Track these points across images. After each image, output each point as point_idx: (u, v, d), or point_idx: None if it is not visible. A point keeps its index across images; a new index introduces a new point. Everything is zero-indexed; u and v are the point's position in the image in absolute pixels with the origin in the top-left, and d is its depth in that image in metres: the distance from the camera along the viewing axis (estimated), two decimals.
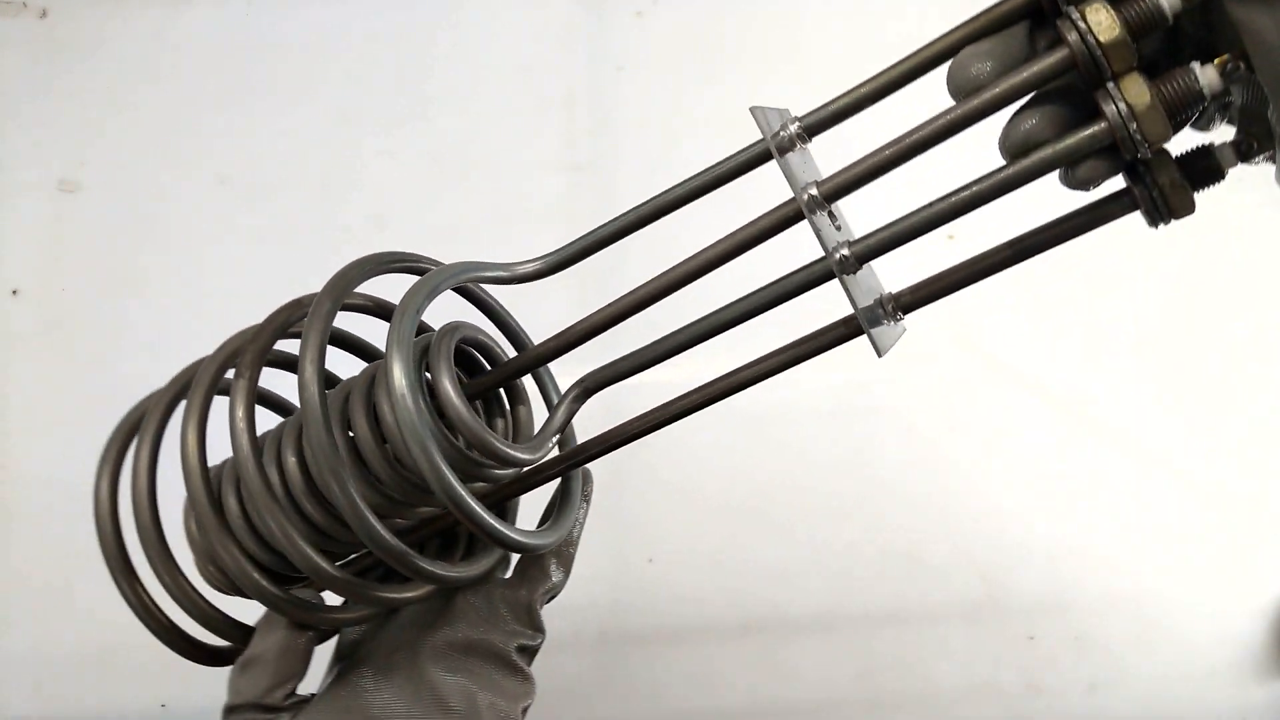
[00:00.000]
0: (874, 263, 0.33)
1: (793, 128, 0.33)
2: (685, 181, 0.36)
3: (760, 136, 0.33)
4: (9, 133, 0.83)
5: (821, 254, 0.32)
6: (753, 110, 0.33)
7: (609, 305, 0.36)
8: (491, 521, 0.33)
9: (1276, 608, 0.83)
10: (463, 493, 0.32)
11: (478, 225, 0.84)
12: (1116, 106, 0.27)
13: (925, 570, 0.80)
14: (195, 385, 0.39)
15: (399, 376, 0.31)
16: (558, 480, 0.40)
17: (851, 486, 0.81)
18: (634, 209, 0.36)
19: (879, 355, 0.33)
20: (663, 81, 0.90)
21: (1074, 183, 0.30)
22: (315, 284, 0.87)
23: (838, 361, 0.87)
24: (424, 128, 0.87)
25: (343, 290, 0.36)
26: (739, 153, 0.34)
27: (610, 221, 0.37)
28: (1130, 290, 0.89)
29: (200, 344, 0.79)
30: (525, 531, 0.36)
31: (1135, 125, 0.27)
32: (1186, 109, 0.27)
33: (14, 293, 0.79)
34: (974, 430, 0.83)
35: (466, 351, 0.39)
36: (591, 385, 0.39)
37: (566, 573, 0.40)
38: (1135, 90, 0.27)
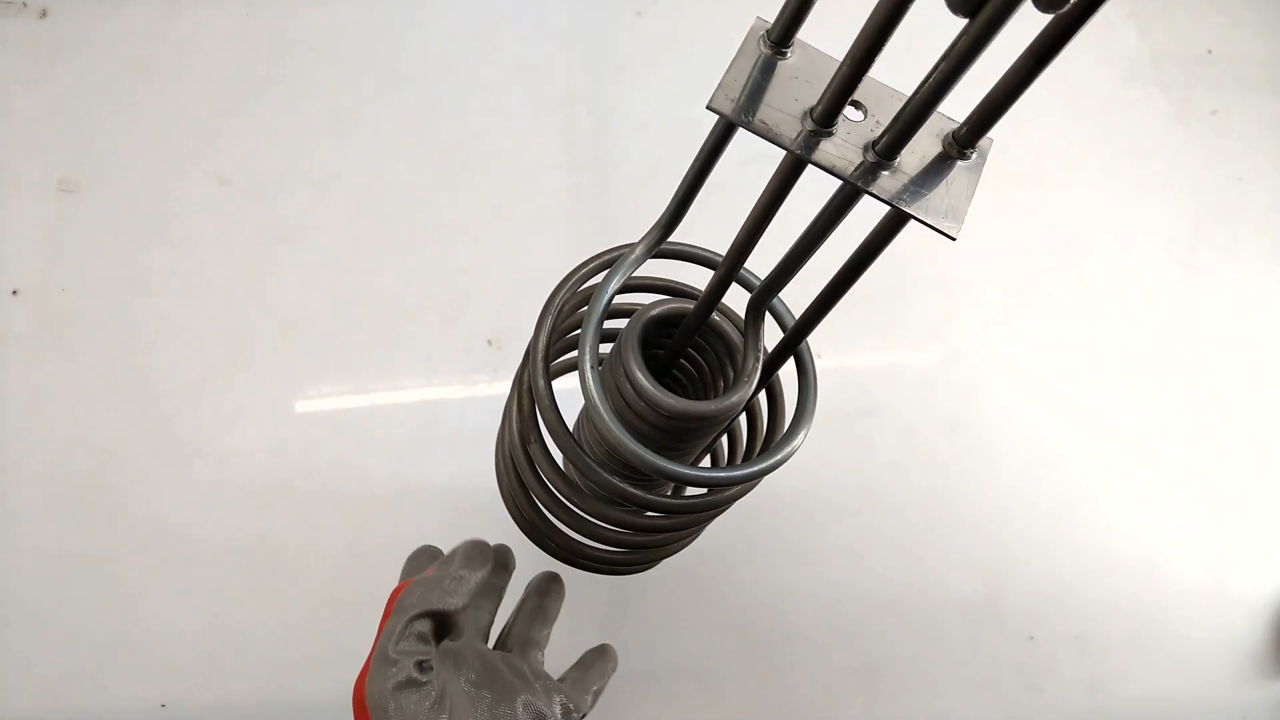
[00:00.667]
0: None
1: (764, 46, 0.30)
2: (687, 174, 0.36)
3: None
4: (9, 133, 0.83)
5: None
6: (711, 107, 0.30)
7: (734, 242, 0.36)
8: (700, 474, 0.38)
9: (1276, 608, 0.83)
10: (666, 464, 0.37)
11: (478, 225, 0.84)
12: None
13: (925, 570, 0.80)
14: (552, 432, 0.44)
15: (598, 408, 0.37)
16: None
17: (852, 486, 0.81)
18: (694, 162, 0.35)
19: (955, 234, 0.28)
20: (663, 81, 0.90)
21: (1048, 6, 0.25)
22: (316, 284, 0.87)
23: (837, 362, 0.87)
24: (424, 128, 0.87)
25: (547, 350, 0.42)
26: (712, 128, 0.33)
27: (685, 175, 0.36)
28: (1130, 290, 0.89)
29: (200, 344, 0.80)
30: (741, 465, 0.40)
31: None
32: None
33: (14, 293, 0.79)
34: (974, 430, 0.83)
35: (662, 325, 0.44)
36: (758, 302, 0.40)
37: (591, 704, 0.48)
38: None
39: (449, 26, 0.90)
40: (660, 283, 0.48)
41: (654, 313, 0.43)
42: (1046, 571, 0.81)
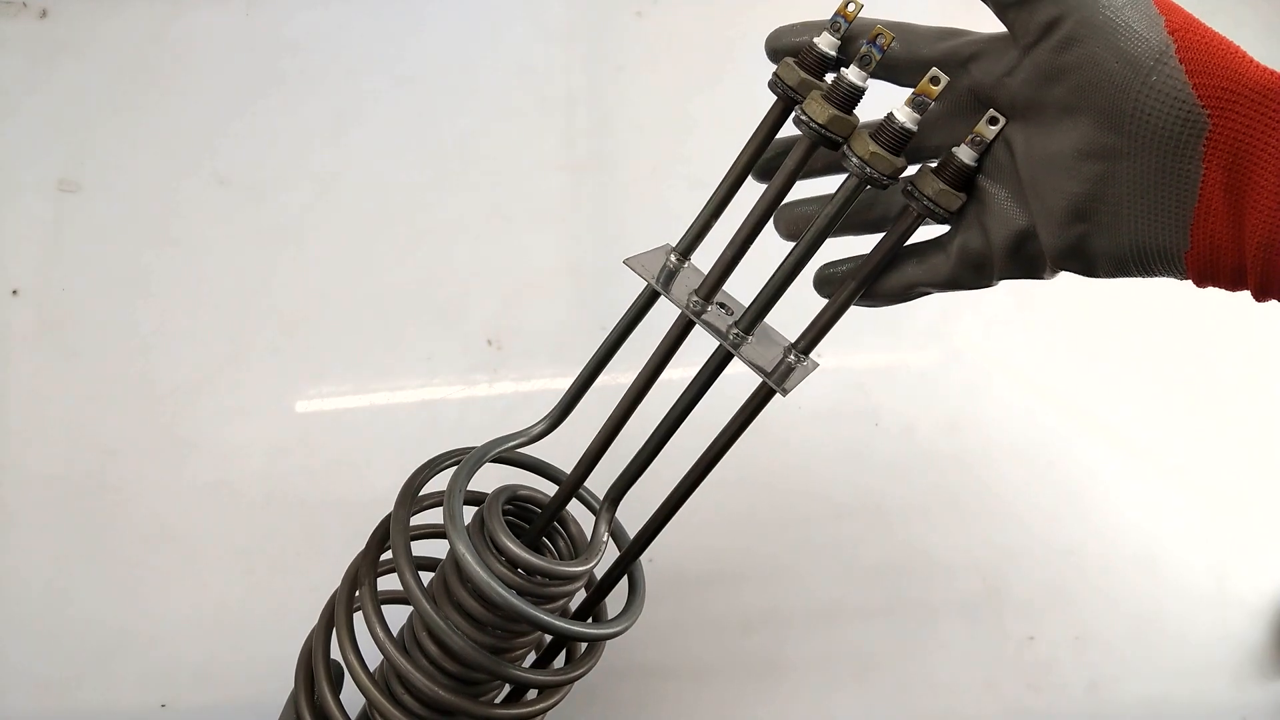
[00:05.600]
0: (774, 324, 0.43)
1: (673, 258, 0.44)
2: (608, 336, 0.47)
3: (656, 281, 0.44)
4: (9, 133, 0.83)
5: (717, 343, 0.43)
6: (628, 262, 0.44)
7: (598, 434, 0.46)
8: (568, 626, 0.44)
9: (1276, 608, 0.83)
10: (539, 614, 0.42)
11: (478, 225, 0.84)
12: (854, 160, 0.37)
13: (925, 570, 0.80)
14: (337, 616, 0.49)
15: (464, 555, 0.42)
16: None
17: (851, 486, 0.81)
18: (590, 361, 0.48)
19: (784, 395, 0.41)
20: (663, 81, 0.90)
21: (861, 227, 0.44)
22: (316, 284, 0.87)
23: (837, 362, 0.87)
24: (424, 128, 0.87)
25: (407, 513, 0.47)
26: (639, 297, 0.45)
27: (579, 374, 0.48)
28: (1129, 289, 0.89)
29: (200, 344, 0.80)
30: (602, 624, 0.47)
31: (870, 168, 0.36)
32: (899, 142, 0.36)
33: (14, 293, 0.79)
34: (974, 430, 0.83)
35: (517, 503, 0.51)
36: (615, 495, 0.49)
37: None
38: (860, 145, 0.36)
39: (449, 26, 0.90)
40: (528, 460, 0.54)
41: (516, 491, 0.50)
42: (1046, 571, 0.81)
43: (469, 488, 0.46)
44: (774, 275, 0.41)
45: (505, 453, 0.49)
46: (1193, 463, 0.85)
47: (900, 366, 0.84)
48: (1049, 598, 0.80)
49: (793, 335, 0.43)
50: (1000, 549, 0.81)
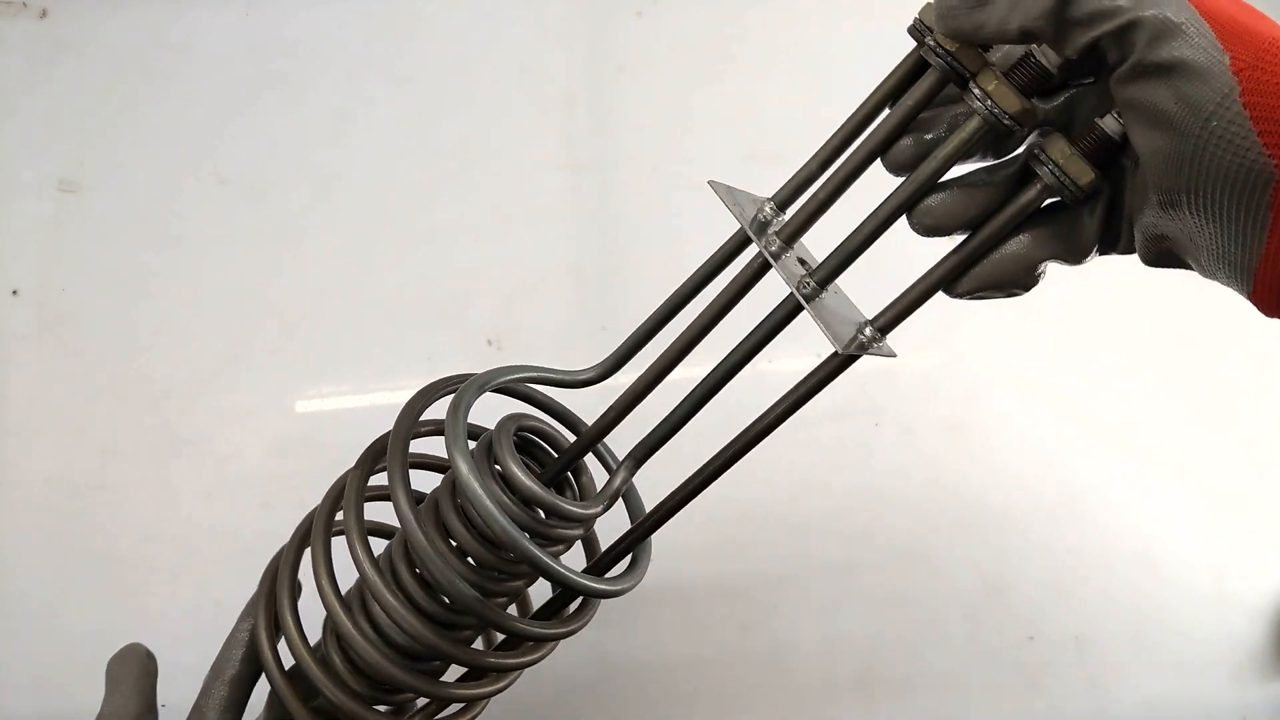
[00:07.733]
0: (854, 297, 0.40)
1: (768, 208, 0.40)
2: (691, 277, 0.43)
3: (742, 224, 0.40)
4: (9, 133, 0.83)
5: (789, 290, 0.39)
6: (714, 184, 0.40)
7: (633, 384, 0.42)
8: (571, 575, 0.40)
9: (1276, 608, 0.83)
10: (540, 554, 0.38)
11: (478, 225, 0.84)
12: (975, 92, 0.33)
13: (925, 569, 0.80)
14: (314, 535, 0.45)
15: (464, 472, 0.38)
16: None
17: (851, 486, 0.81)
18: (658, 309, 0.44)
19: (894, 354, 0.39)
20: (663, 81, 0.90)
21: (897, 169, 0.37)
22: (316, 284, 0.87)
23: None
24: (424, 128, 0.87)
25: (409, 425, 0.42)
26: (728, 241, 0.42)
27: (643, 323, 0.44)
28: (1130, 288, 0.89)
29: (200, 344, 0.80)
30: (605, 579, 0.43)
31: (991, 102, 0.33)
32: (1035, 84, 0.33)
33: (14, 293, 0.79)
34: (974, 431, 0.83)
35: (528, 438, 0.46)
36: (641, 454, 0.45)
37: None
38: (988, 80, 0.33)
39: (449, 26, 0.90)
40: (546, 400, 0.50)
41: (532, 423, 0.46)
42: (1046, 571, 0.81)
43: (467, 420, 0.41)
44: (863, 224, 0.37)
45: (529, 388, 0.45)
46: (1193, 463, 0.85)
47: (901, 367, 0.84)
48: (1049, 598, 0.80)
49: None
50: (1000, 549, 0.81)
